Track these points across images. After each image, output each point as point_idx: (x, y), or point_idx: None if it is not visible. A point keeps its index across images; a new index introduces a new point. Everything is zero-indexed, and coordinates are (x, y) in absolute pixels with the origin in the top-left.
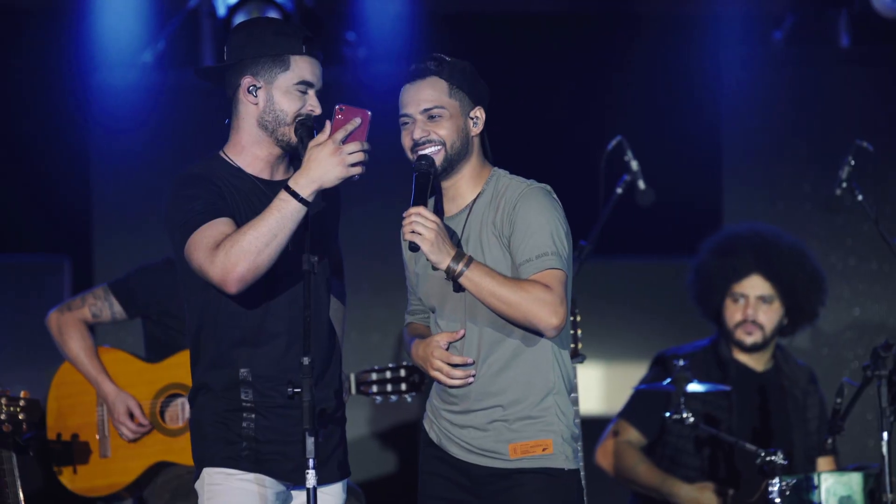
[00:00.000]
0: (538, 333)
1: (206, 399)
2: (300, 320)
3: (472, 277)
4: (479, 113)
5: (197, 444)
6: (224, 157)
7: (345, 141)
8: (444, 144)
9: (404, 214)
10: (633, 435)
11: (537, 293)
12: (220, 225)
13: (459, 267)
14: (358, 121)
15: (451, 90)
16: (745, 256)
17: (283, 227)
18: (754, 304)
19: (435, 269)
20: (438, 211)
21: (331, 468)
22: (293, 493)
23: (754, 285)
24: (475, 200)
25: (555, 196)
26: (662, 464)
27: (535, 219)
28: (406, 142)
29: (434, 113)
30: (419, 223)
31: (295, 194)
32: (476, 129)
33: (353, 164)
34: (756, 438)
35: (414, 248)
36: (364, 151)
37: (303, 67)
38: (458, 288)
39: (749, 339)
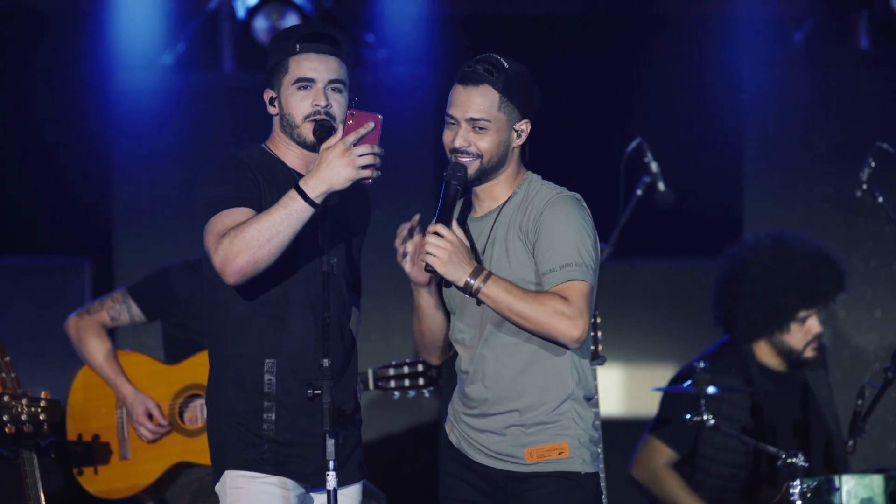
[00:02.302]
0: (561, 345)
1: (223, 400)
2: (321, 321)
3: (489, 294)
4: (524, 126)
5: (216, 446)
6: (267, 149)
7: (356, 144)
8: (481, 158)
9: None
10: (665, 454)
11: (555, 306)
12: (240, 214)
13: (476, 283)
14: (371, 125)
15: (502, 103)
16: (822, 282)
17: (288, 225)
18: (819, 325)
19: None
20: (467, 211)
21: (349, 470)
22: (312, 495)
23: (819, 310)
24: (505, 203)
25: (584, 205)
26: (695, 475)
27: (560, 228)
28: (447, 141)
29: (480, 124)
30: (432, 244)
31: (303, 194)
32: (518, 140)
33: (365, 167)
34: (786, 438)
35: (430, 269)
36: (375, 154)
37: (298, 66)
38: (479, 302)
39: (814, 354)
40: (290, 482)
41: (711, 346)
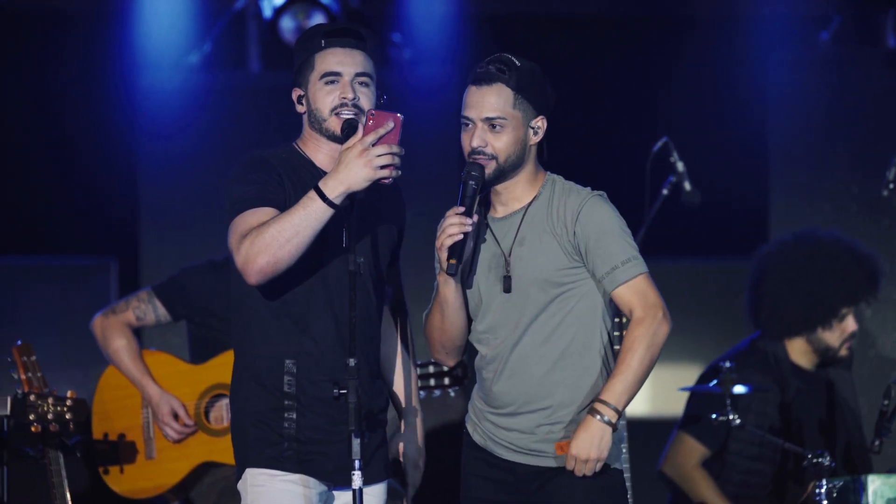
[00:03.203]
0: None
1: (246, 398)
2: (342, 321)
3: (621, 408)
4: (540, 122)
5: (238, 445)
6: (296, 148)
7: (375, 144)
8: (496, 158)
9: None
10: (697, 451)
11: (642, 331)
12: (263, 214)
13: (610, 413)
14: (391, 124)
15: (516, 100)
16: (864, 280)
17: (307, 225)
18: (855, 323)
19: (507, 291)
20: (486, 210)
21: (373, 468)
22: (335, 493)
23: (857, 309)
24: (531, 203)
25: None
26: (724, 471)
27: (606, 227)
28: (465, 144)
29: (495, 123)
30: (589, 465)
31: (322, 195)
32: (535, 138)
33: (383, 167)
34: (812, 436)
35: (451, 271)
36: (394, 154)
37: (324, 61)
38: (508, 290)
39: (848, 353)
40: (312, 480)
41: (740, 343)
